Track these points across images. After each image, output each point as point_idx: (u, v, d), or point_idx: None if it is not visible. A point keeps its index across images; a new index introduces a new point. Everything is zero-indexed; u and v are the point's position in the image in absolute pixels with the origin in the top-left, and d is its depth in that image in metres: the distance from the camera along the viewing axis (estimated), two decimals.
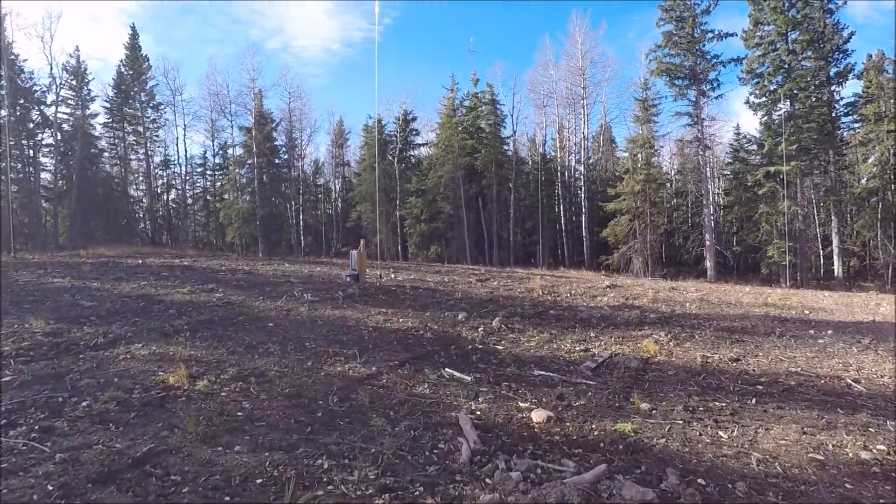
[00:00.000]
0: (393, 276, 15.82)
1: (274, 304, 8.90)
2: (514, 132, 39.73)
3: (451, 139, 37.09)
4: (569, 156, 39.41)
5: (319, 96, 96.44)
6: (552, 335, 7.66)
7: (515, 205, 37.62)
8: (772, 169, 27.71)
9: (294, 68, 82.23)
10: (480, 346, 6.68)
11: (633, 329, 8.44)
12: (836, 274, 31.27)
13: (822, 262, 35.95)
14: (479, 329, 7.82)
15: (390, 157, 41.29)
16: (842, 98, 32.72)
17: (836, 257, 31.15)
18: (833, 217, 31.23)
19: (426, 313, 8.96)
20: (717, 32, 29.86)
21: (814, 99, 31.22)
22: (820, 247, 34.89)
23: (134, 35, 41.00)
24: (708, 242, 29.65)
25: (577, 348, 6.84)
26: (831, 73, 31.78)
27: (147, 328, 6.45)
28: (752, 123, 71.22)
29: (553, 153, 40.17)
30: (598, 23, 49.08)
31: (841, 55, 31.55)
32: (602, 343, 7.23)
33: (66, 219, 33.57)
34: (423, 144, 44.16)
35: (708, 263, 29.71)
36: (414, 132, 42.56)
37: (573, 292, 14.32)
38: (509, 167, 37.99)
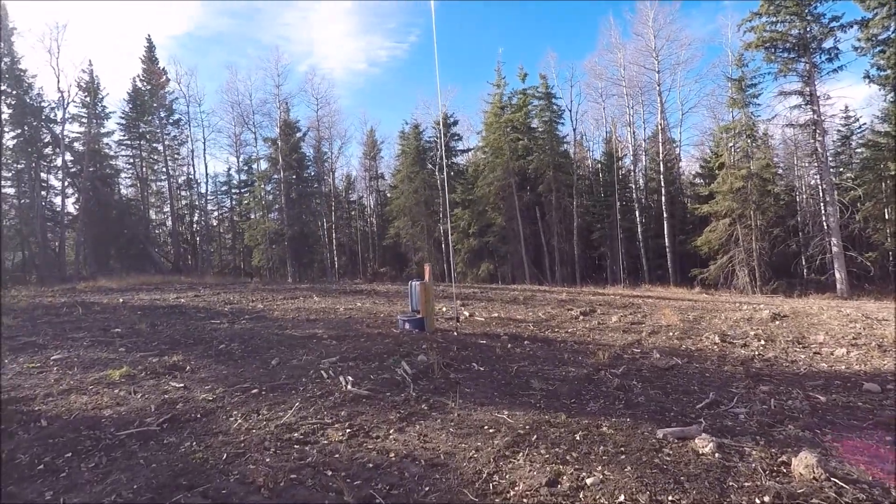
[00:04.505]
0: (467, 314, 10.94)
1: (275, 412, 4.15)
2: (575, 129, 34.62)
3: (500, 141, 32.30)
4: (641, 153, 33.95)
5: (348, 112, 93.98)
6: None
7: (579, 213, 32.35)
8: None
9: (321, 72, 79.15)
10: None
11: None
12: None
13: None
14: None
15: (430, 166, 36.82)
16: None
17: None
18: None
19: (603, 424, 4.01)
20: None
21: None
22: None
23: (150, 47, 38.27)
24: (835, 248, 23.61)
25: None
26: None
27: None
28: (855, 103, 55.20)
29: (623, 151, 34.70)
30: None
31: None
32: None
33: (73, 246, 30.33)
34: (466, 151, 39.63)
35: (837, 275, 23.64)
36: (456, 137, 38.04)
37: (745, 332, 9.12)
38: (569, 170, 32.82)
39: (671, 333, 9.06)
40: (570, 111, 34.08)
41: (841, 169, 29.63)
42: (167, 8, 65.56)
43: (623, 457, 3.42)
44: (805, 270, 25.09)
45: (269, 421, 3.96)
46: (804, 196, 34.13)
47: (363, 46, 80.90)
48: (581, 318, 11.14)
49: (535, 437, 3.76)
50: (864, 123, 30.63)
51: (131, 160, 37.57)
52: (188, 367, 5.63)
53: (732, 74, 26.43)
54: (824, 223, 25.19)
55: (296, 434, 3.71)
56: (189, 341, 7.14)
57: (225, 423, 3.90)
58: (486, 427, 3.99)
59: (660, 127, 31.51)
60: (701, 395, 5.13)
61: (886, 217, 23.78)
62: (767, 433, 4.06)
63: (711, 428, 4.10)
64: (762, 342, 8.34)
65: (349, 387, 4.92)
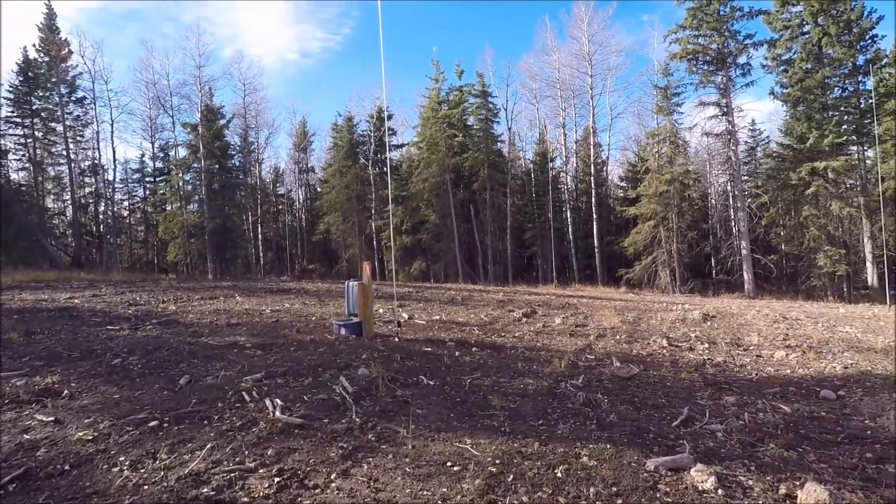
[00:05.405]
0: (406, 316, 10.21)
1: (178, 456, 3.23)
2: (510, 129, 34.81)
3: (436, 136, 31.76)
4: (571, 155, 34.74)
5: (277, 100, 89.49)
6: None
7: (512, 212, 32.54)
8: (819, 165, 23.74)
9: (248, 58, 74.47)
10: None
11: None
12: (869, 283, 27.65)
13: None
14: None
15: (363, 160, 35.64)
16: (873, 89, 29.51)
17: (868, 264, 27.44)
18: (864, 220, 27.53)
19: (582, 453, 3.49)
20: (746, 10, 25.97)
21: (844, 90, 27.77)
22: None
23: (50, 14, 33.84)
24: (744, 251, 25.40)
25: None
26: (860, 62, 28.46)
27: None
28: (760, 117, 60.81)
29: (555, 152, 35.36)
30: (607, 2, 44.94)
31: (869, 42, 28.30)
32: None
33: None
34: (401, 146, 38.73)
35: (745, 275, 25.44)
36: (390, 131, 37.00)
37: (686, 333, 9.15)
38: (503, 169, 32.93)
39: (618, 337, 8.88)
40: (506, 110, 34.28)
41: (746, 177, 32.02)
42: None
43: (620, 501, 2.87)
44: (715, 271, 26.78)
45: (170, 470, 3.03)
46: (715, 202, 36.59)
47: (295, 35, 77.23)
48: (524, 320, 10.80)
49: (510, 476, 3.13)
50: (769, 136, 33.33)
51: (22, 140, 33.01)
52: (66, 392, 4.47)
53: (658, 83, 27.64)
54: (734, 227, 26.99)
55: (205, 489, 2.82)
56: (74, 355, 5.85)
57: (104, 477, 2.92)
58: (449, 463, 3.31)
59: (591, 130, 32.44)
60: (671, 409, 4.78)
61: (782, 223, 25.86)
62: (753, 454, 3.72)
63: (695, 451, 3.69)
64: (705, 345, 8.35)
65: (278, 413, 4.04)
